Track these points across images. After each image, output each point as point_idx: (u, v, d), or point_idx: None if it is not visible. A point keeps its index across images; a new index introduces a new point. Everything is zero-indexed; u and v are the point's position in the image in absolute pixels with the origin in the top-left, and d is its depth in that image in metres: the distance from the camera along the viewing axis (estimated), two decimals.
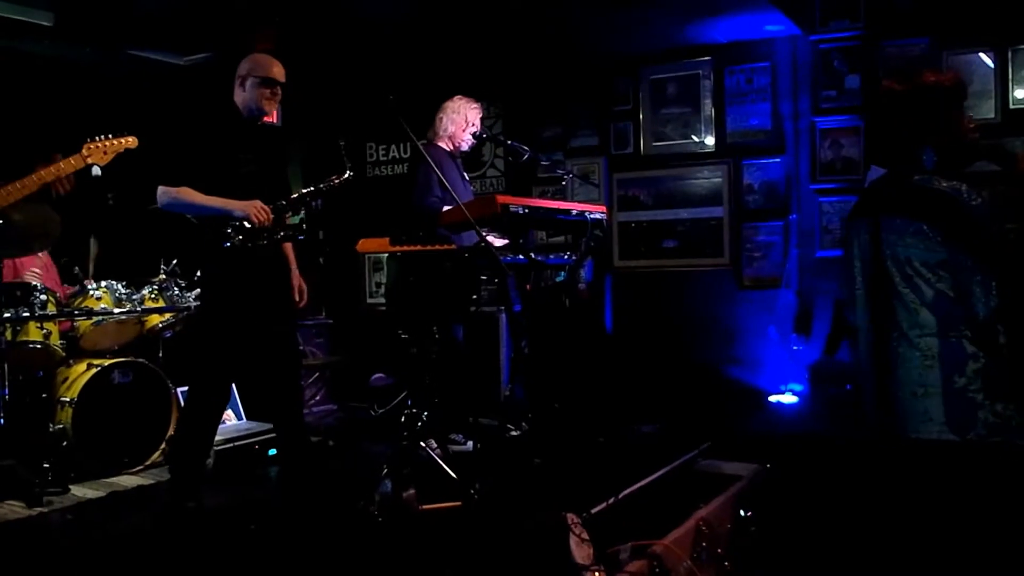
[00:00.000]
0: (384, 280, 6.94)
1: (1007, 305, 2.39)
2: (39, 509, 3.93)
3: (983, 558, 2.36)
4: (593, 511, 3.16)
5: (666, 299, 6.07)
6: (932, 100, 2.55)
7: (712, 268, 5.92)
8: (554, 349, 4.45)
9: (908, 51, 5.23)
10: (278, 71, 3.64)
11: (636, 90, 6.17)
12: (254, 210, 3.43)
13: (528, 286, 4.18)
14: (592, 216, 4.12)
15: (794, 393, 5.38)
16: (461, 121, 4.87)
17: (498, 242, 4.28)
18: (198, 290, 4.99)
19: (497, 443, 4.20)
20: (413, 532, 3.36)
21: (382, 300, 7.06)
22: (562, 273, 4.21)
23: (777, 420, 5.21)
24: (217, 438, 4.34)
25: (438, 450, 4.20)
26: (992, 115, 4.96)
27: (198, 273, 4.69)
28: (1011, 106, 4.97)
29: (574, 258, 4.25)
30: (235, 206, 3.44)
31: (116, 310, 4.77)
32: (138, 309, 4.87)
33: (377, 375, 6.01)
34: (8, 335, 4.33)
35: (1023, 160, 2.64)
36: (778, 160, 5.72)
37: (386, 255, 5.87)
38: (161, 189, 3.53)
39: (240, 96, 3.64)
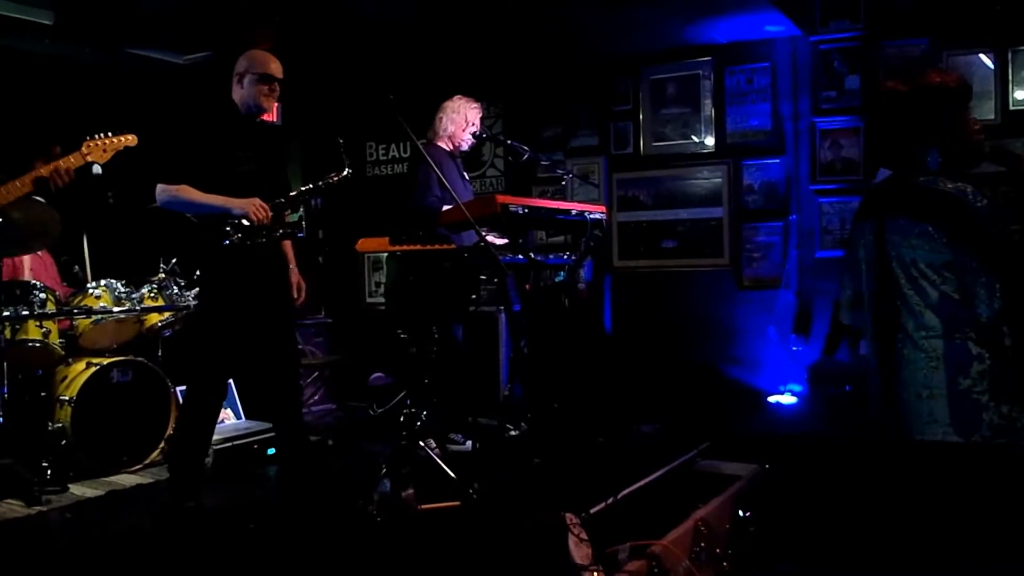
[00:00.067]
0: (383, 279, 6.94)
1: (1012, 306, 2.39)
2: (38, 508, 3.93)
3: (985, 559, 2.36)
4: (592, 511, 3.16)
5: (665, 299, 6.06)
6: (937, 101, 2.55)
7: (712, 268, 5.92)
8: (553, 349, 4.45)
9: (908, 52, 5.23)
10: (276, 67, 3.63)
11: (636, 90, 6.16)
12: (253, 208, 3.43)
13: (528, 286, 4.17)
14: (592, 216, 4.12)
15: (793, 393, 5.38)
16: (461, 121, 4.87)
17: (498, 242, 4.28)
18: (197, 289, 5.00)
19: (496, 443, 4.19)
20: (412, 532, 3.36)
21: (381, 299, 7.06)
22: (561, 273, 4.21)
23: (776, 420, 5.21)
24: (216, 437, 4.34)
25: (437, 450, 4.20)
26: (992, 116, 4.96)
27: (197, 272, 4.69)
28: (1011, 107, 4.97)
29: (574, 258, 4.25)
30: (234, 204, 3.44)
31: (115, 309, 4.77)
32: (137, 308, 4.87)
33: (376, 374, 6.01)
34: (7, 333, 4.33)
35: None
36: (778, 160, 5.72)
37: (386, 255, 5.87)
38: (160, 187, 3.53)
39: (238, 93, 3.64)
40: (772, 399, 5.42)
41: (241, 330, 3.57)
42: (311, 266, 3.95)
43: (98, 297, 4.75)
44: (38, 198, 4.12)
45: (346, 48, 6.00)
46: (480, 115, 4.96)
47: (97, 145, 3.83)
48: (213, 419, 3.70)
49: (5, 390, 4.17)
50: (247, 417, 5.12)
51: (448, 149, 4.90)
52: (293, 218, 3.75)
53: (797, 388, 5.38)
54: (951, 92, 2.57)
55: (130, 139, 3.92)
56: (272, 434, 4.57)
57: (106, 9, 5.10)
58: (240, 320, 3.56)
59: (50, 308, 4.59)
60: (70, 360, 4.73)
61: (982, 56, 5.06)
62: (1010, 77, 4.98)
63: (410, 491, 3.50)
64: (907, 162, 2.56)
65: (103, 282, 4.82)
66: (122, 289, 4.85)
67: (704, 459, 4.32)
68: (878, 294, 2.56)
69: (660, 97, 6.10)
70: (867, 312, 2.63)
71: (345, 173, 3.61)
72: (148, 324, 5.04)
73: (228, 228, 3.42)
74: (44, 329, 4.60)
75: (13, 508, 3.94)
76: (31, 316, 4.47)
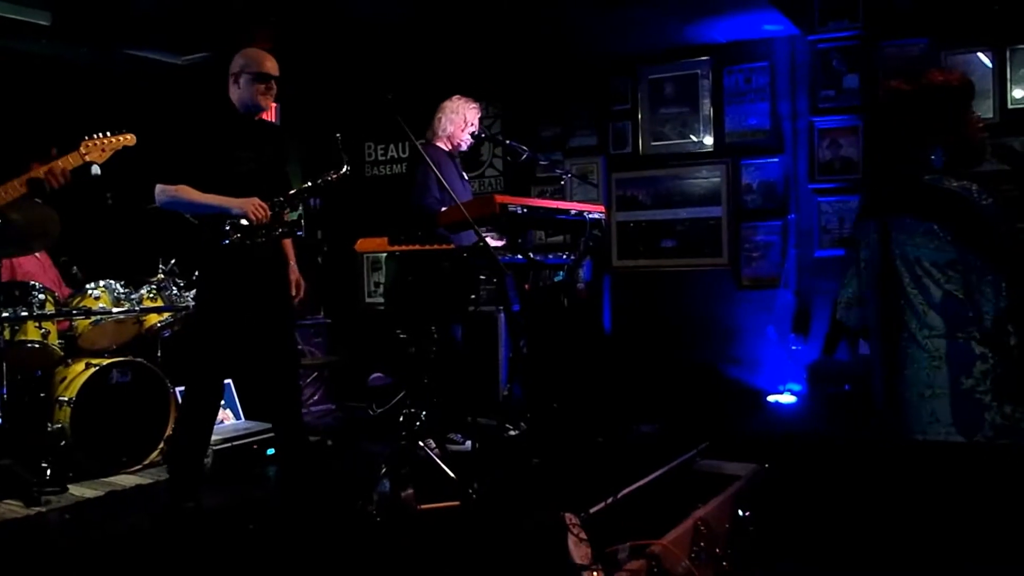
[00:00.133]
0: (383, 280, 6.94)
1: (1018, 305, 2.38)
2: (37, 509, 3.93)
3: (986, 559, 2.36)
4: (591, 511, 3.16)
5: (664, 299, 6.07)
6: (940, 100, 2.54)
7: (711, 268, 5.92)
8: (553, 349, 4.45)
9: (907, 51, 5.23)
10: (271, 65, 3.62)
11: (635, 90, 6.17)
12: (252, 207, 3.43)
13: (527, 286, 4.17)
14: (591, 216, 4.12)
15: (792, 393, 5.38)
16: (460, 121, 4.87)
17: (497, 242, 4.28)
18: (195, 289, 5.00)
19: (496, 443, 4.19)
20: (411, 532, 3.36)
21: (381, 300, 7.06)
22: (561, 273, 4.21)
23: (775, 420, 5.21)
24: (215, 438, 4.34)
25: (436, 450, 4.20)
26: (990, 115, 4.96)
27: (196, 272, 4.69)
28: (1009, 106, 4.98)
29: (573, 258, 4.25)
30: (233, 204, 3.44)
31: (114, 309, 4.77)
32: (136, 308, 4.87)
33: (376, 375, 6.01)
34: (6, 334, 4.32)
35: None
36: (776, 160, 5.72)
37: (385, 255, 5.87)
38: (159, 187, 3.53)
39: (235, 93, 3.63)
40: (771, 398, 5.42)
41: (239, 330, 3.57)
42: (310, 266, 3.95)
43: (97, 298, 4.75)
44: (36, 199, 4.11)
45: (344, 48, 6.00)
46: (479, 115, 4.96)
47: (96, 145, 3.83)
48: (211, 419, 3.70)
49: (4, 391, 4.17)
50: (246, 417, 5.12)
51: (447, 149, 4.91)
52: (292, 217, 3.75)
53: (796, 387, 5.38)
54: (954, 91, 2.57)
55: (128, 139, 3.92)
56: (271, 434, 4.56)
57: (103, 10, 5.10)
58: (238, 320, 3.55)
59: (49, 309, 4.59)
60: (69, 361, 4.72)
61: (980, 55, 5.07)
62: (1008, 76, 4.98)
63: (409, 491, 3.50)
64: (911, 161, 2.56)
65: (102, 283, 4.81)
66: (121, 290, 4.85)
67: (703, 459, 4.32)
68: (882, 293, 2.56)
69: (659, 97, 6.10)
70: (869, 311, 2.63)
71: (343, 170, 3.60)
72: (147, 325, 5.04)
73: (227, 228, 3.42)
74: (43, 330, 4.59)
75: (12, 509, 3.93)
76: (30, 317, 4.47)
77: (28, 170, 3.80)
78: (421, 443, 4.07)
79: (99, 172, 3.94)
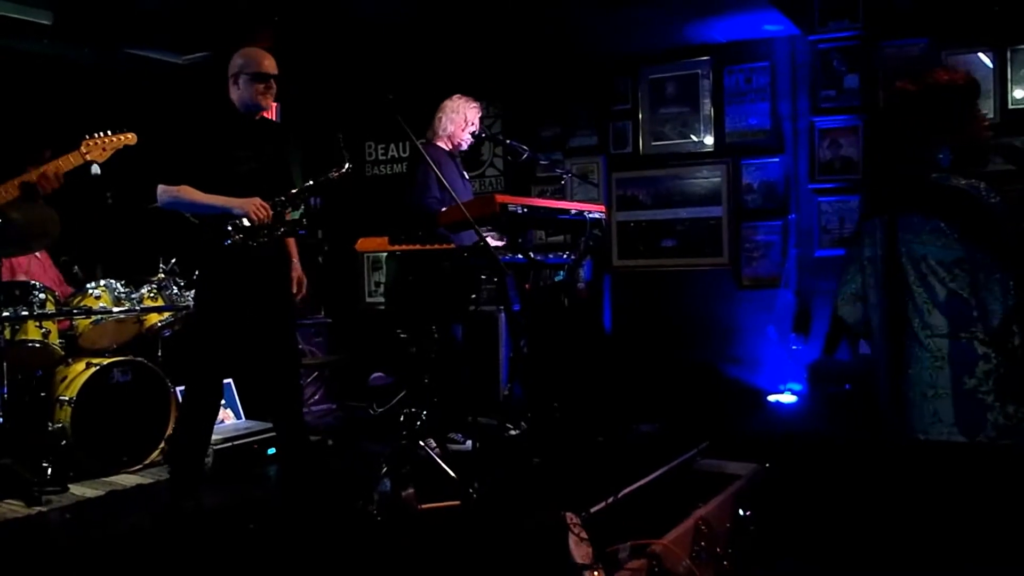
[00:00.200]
0: (383, 279, 6.94)
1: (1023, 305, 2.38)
2: (38, 508, 3.93)
3: (987, 559, 2.36)
4: (592, 510, 3.16)
5: (665, 299, 6.07)
6: (947, 99, 2.55)
7: (711, 268, 5.92)
8: (553, 348, 4.45)
9: (907, 51, 5.23)
10: (269, 64, 3.62)
11: (635, 90, 6.17)
12: (253, 207, 3.42)
13: (527, 285, 4.18)
14: (591, 215, 4.12)
15: (793, 392, 5.38)
16: (460, 120, 4.86)
17: (497, 242, 4.28)
18: (196, 288, 5.00)
19: (496, 442, 4.19)
20: (412, 531, 3.36)
21: (381, 299, 7.06)
22: (561, 272, 4.21)
23: (776, 419, 5.21)
24: (216, 437, 4.35)
25: (437, 449, 4.20)
26: (991, 115, 4.95)
27: (197, 271, 4.70)
28: (1010, 106, 4.98)
29: (573, 257, 4.25)
30: (234, 204, 3.44)
31: (115, 309, 4.77)
32: (137, 308, 4.87)
33: (376, 374, 6.01)
34: (7, 334, 4.32)
35: None
36: (777, 160, 5.72)
37: (385, 254, 5.87)
38: (161, 188, 3.53)
39: (235, 94, 3.63)
40: (772, 398, 5.42)
41: (239, 330, 3.57)
42: (311, 266, 3.94)
43: (98, 297, 4.75)
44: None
45: (345, 48, 6.00)
46: (479, 114, 4.96)
47: (96, 144, 3.83)
48: (211, 419, 3.70)
49: (5, 390, 4.17)
50: (247, 417, 5.12)
51: (447, 149, 4.90)
52: (294, 216, 3.75)
53: (797, 387, 5.38)
54: (961, 90, 2.57)
55: (129, 138, 3.92)
56: (272, 434, 4.57)
57: (105, 9, 5.10)
58: (238, 320, 3.55)
59: (50, 308, 4.59)
60: (70, 360, 4.72)
61: (981, 55, 5.07)
62: (1009, 76, 4.98)
63: (410, 491, 3.50)
64: (918, 161, 2.56)
65: (103, 282, 4.81)
66: (121, 289, 4.85)
67: (704, 458, 4.33)
68: (886, 291, 2.56)
69: (659, 96, 6.10)
70: (873, 309, 2.63)
71: (345, 168, 3.60)
72: (148, 324, 5.04)
73: (229, 228, 3.42)
74: (44, 329, 4.59)
75: (13, 508, 3.94)
76: (31, 316, 4.47)
77: (27, 171, 3.80)
78: (422, 443, 4.07)
79: (99, 171, 3.94)
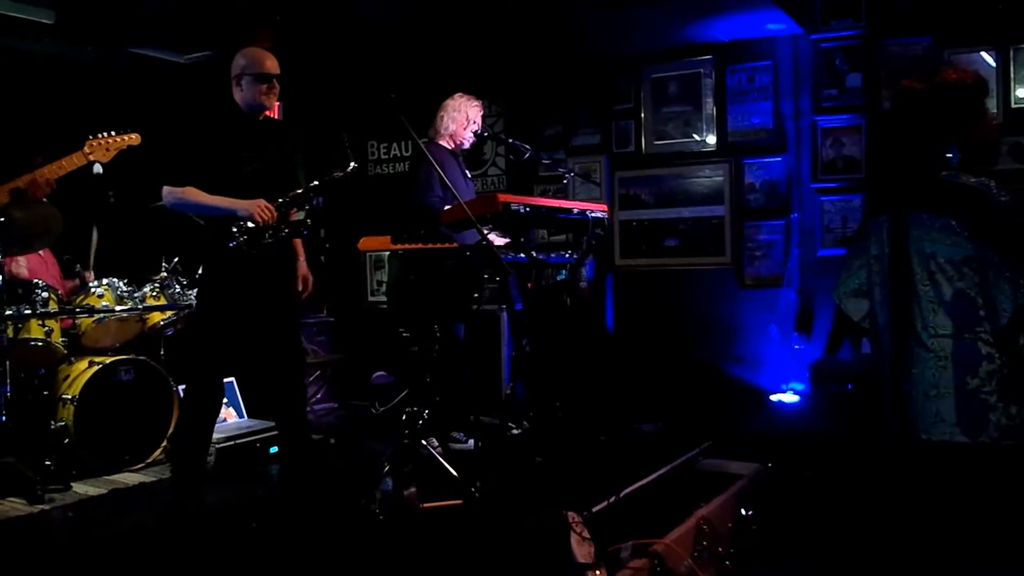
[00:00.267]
0: (385, 278, 6.94)
1: None
2: (40, 507, 3.93)
3: (988, 559, 2.36)
4: (594, 510, 3.16)
5: (667, 298, 6.06)
6: (956, 97, 2.54)
7: (713, 267, 5.92)
8: (555, 348, 4.45)
9: (910, 50, 5.22)
10: (271, 64, 3.62)
11: (637, 89, 6.16)
12: (257, 209, 3.42)
13: (529, 285, 4.17)
14: (593, 215, 4.12)
15: (795, 392, 5.38)
16: (462, 119, 4.86)
17: (499, 240, 4.28)
18: (198, 288, 5.00)
19: (498, 441, 4.20)
20: (414, 530, 3.36)
21: (383, 298, 7.06)
22: (563, 272, 4.21)
23: (778, 419, 5.21)
24: (218, 436, 4.35)
25: (439, 448, 4.20)
26: (994, 114, 4.95)
27: (200, 271, 4.70)
28: (1013, 105, 4.96)
29: (575, 257, 4.24)
30: (239, 206, 3.44)
31: (118, 308, 4.77)
32: (139, 307, 4.88)
33: (378, 373, 6.01)
34: (10, 332, 4.33)
35: None
36: (779, 159, 5.72)
37: (387, 253, 5.88)
38: (166, 189, 3.53)
39: (238, 94, 3.63)
40: (774, 398, 5.42)
41: (240, 330, 3.57)
42: (313, 265, 3.95)
43: (100, 296, 4.75)
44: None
45: (347, 47, 6.00)
46: (481, 113, 4.96)
47: (100, 144, 3.83)
48: (213, 418, 3.70)
49: (8, 389, 4.17)
50: (249, 416, 5.13)
51: (450, 148, 4.90)
52: (299, 215, 3.74)
53: (799, 386, 5.38)
54: (970, 88, 2.56)
55: (133, 138, 3.92)
56: (274, 433, 4.57)
57: (107, 8, 5.10)
58: (240, 320, 3.55)
59: (52, 307, 4.59)
60: (72, 359, 4.73)
61: (984, 54, 5.06)
62: (1012, 75, 4.97)
63: (412, 490, 3.50)
64: (926, 159, 2.55)
65: (105, 281, 4.82)
66: (124, 288, 4.86)
67: (706, 458, 4.33)
68: (893, 290, 2.55)
69: (661, 96, 6.10)
70: (878, 306, 2.62)
71: (350, 168, 3.59)
72: (150, 323, 5.05)
73: (234, 230, 3.42)
74: (46, 328, 4.60)
75: (16, 506, 3.94)
76: (33, 315, 4.47)
77: (27, 171, 3.81)
78: (424, 442, 4.07)
79: (101, 170, 3.94)
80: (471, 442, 4.76)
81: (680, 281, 6.02)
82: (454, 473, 3.81)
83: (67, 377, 4.60)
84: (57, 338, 4.68)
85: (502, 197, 3.71)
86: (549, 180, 6.45)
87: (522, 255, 3.97)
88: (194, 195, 3.48)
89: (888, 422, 2.58)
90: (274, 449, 4.66)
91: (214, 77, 4.06)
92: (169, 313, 5.05)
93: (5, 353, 4.17)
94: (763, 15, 5.29)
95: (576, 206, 4.19)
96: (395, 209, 5.46)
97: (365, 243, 3.94)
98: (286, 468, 4.04)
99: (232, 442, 4.59)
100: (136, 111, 5.25)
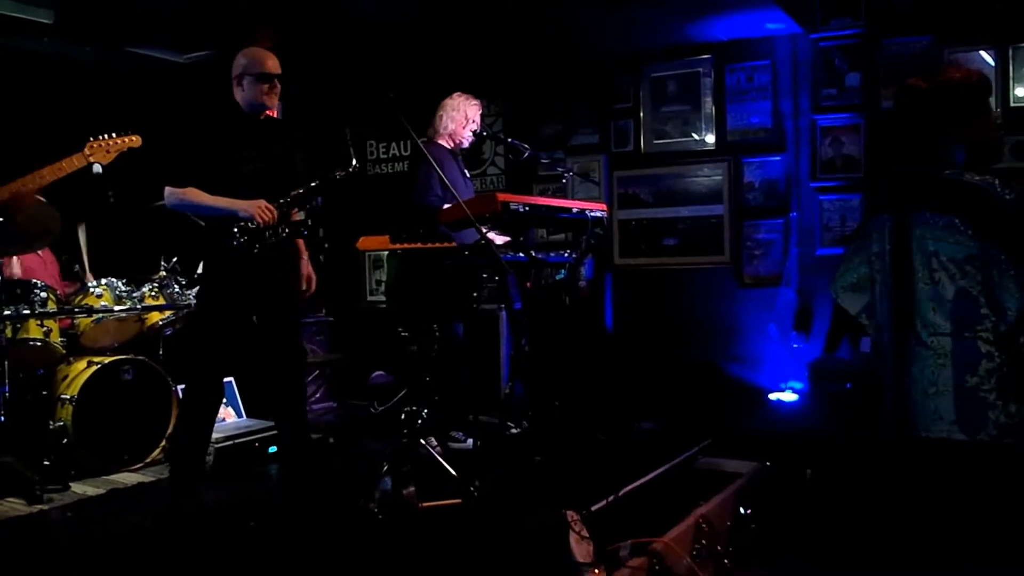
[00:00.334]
0: (384, 278, 6.94)
1: None
2: (39, 506, 3.93)
3: (987, 558, 2.36)
4: (593, 508, 3.16)
5: (666, 297, 6.07)
6: (960, 96, 2.54)
7: (712, 266, 5.92)
8: (554, 347, 4.45)
9: (909, 49, 5.22)
10: (272, 64, 3.62)
11: (636, 88, 6.16)
12: (258, 210, 3.42)
13: (528, 284, 4.17)
14: (592, 214, 4.12)
15: (794, 391, 5.38)
16: (461, 118, 4.86)
17: (499, 240, 4.28)
18: (197, 287, 5.00)
19: (497, 441, 4.19)
20: (413, 530, 3.36)
21: (382, 298, 7.06)
22: (562, 271, 4.21)
23: (777, 418, 5.21)
24: (217, 435, 4.35)
25: (438, 448, 4.20)
26: (997, 113, 4.96)
27: (199, 270, 4.69)
28: (1012, 104, 4.96)
29: (574, 256, 4.25)
30: (240, 206, 3.44)
31: (116, 307, 4.77)
32: (138, 306, 4.88)
33: (377, 373, 6.01)
34: (8, 332, 4.33)
35: None
36: (778, 158, 5.72)
37: (386, 253, 5.88)
38: (168, 190, 3.53)
39: (239, 94, 3.62)
40: (773, 396, 5.42)
41: (240, 330, 3.57)
42: (312, 264, 3.95)
43: (99, 296, 4.75)
44: (39, 197, 4.12)
45: (346, 47, 6.00)
46: (480, 113, 4.96)
47: (100, 146, 3.83)
48: (211, 418, 3.70)
49: (6, 389, 4.17)
50: (248, 415, 5.13)
51: (449, 147, 4.90)
52: (300, 215, 3.74)
53: (798, 385, 5.38)
54: (974, 87, 2.57)
55: (134, 140, 3.92)
56: (272, 432, 4.57)
57: (106, 8, 5.10)
58: (240, 320, 3.55)
59: (51, 307, 4.59)
60: (71, 359, 4.73)
61: (983, 53, 5.06)
62: (1011, 74, 4.97)
63: (411, 489, 3.50)
64: (930, 158, 2.55)
65: (104, 281, 4.82)
66: (123, 288, 4.85)
67: (705, 456, 4.33)
68: (893, 288, 2.55)
69: (660, 95, 6.10)
70: (879, 304, 2.62)
71: (352, 168, 3.59)
72: (149, 323, 5.04)
73: (235, 230, 3.42)
74: (45, 328, 4.60)
75: (14, 507, 3.94)
76: (32, 315, 4.47)
77: (27, 171, 3.81)
78: (423, 441, 4.07)
79: (101, 170, 3.94)
80: (470, 441, 4.76)
81: (679, 280, 6.02)
82: (453, 472, 3.82)
83: (66, 377, 4.59)
84: (56, 338, 4.68)
85: (501, 196, 3.71)
86: (548, 179, 6.45)
87: (521, 254, 3.98)
88: (195, 195, 3.48)
89: (887, 420, 2.58)
90: (273, 449, 4.66)
91: (214, 77, 4.06)
92: (168, 313, 5.05)
93: (4, 353, 4.17)
94: (762, 14, 5.29)
95: (575, 205, 4.19)
96: (394, 208, 5.46)
97: (364, 242, 3.94)
98: (285, 468, 4.04)
99: (231, 442, 4.59)
100: (136, 111, 5.26)
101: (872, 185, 5.25)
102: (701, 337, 5.82)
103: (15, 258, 4.83)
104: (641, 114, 6.16)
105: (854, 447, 3.08)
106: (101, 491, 4.22)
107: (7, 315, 4.27)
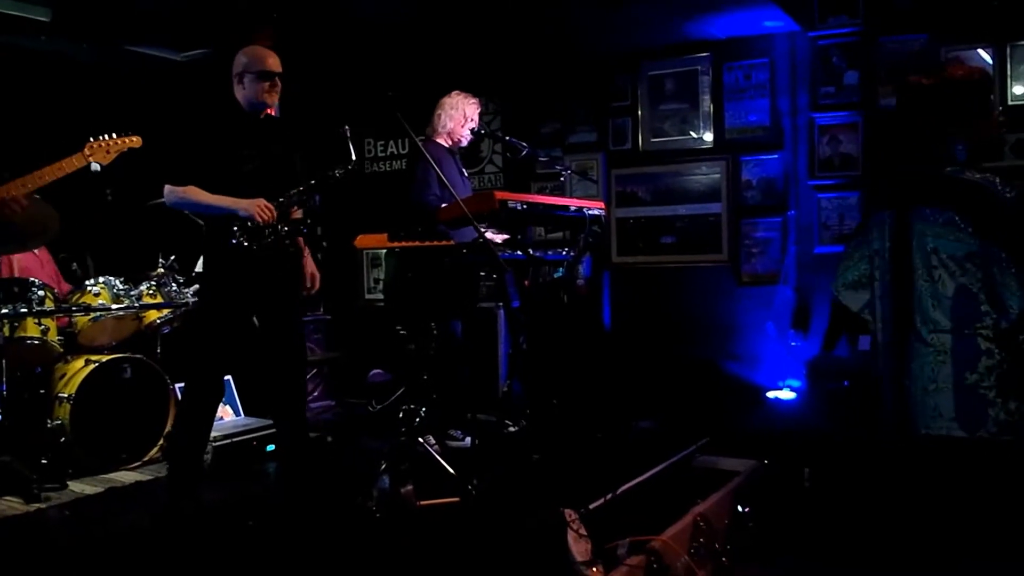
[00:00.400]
0: (382, 276, 6.94)
1: None
2: (37, 505, 3.93)
3: (985, 555, 2.36)
4: (591, 507, 3.16)
5: (664, 295, 6.07)
6: (964, 93, 2.54)
7: (710, 264, 5.92)
8: (552, 345, 4.45)
9: (907, 47, 5.23)
10: (273, 62, 3.61)
11: (634, 86, 6.16)
12: (257, 209, 3.41)
13: (526, 282, 4.18)
14: (590, 212, 4.12)
15: (792, 389, 5.38)
16: (459, 117, 4.85)
17: (497, 238, 4.28)
18: (196, 285, 4.99)
19: (495, 439, 4.20)
20: (411, 528, 3.36)
21: (380, 296, 7.06)
22: (560, 269, 4.21)
23: (775, 416, 5.21)
24: (215, 434, 4.35)
25: (436, 446, 4.20)
26: (1000, 111, 4.96)
27: (198, 268, 4.69)
28: (1009, 102, 4.96)
29: (572, 254, 4.25)
30: (240, 205, 3.43)
31: (114, 306, 4.77)
32: (136, 305, 4.87)
33: (375, 371, 6.01)
34: (6, 331, 4.32)
35: None
36: (776, 156, 5.72)
37: (384, 251, 5.87)
38: (167, 188, 3.52)
39: (240, 93, 3.62)
40: (771, 395, 5.42)
41: (240, 328, 3.56)
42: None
43: (96, 294, 4.74)
44: (35, 195, 4.11)
45: (344, 45, 5.99)
46: (478, 111, 4.95)
47: (101, 146, 3.82)
48: (211, 417, 3.69)
49: (4, 387, 4.17)
50: (246, 414, 5.12)
51: (447, 145, 4.90)
52: (300, 214, 3.74)
53: (796, 383, 5.38)
54: (976, 84, 2.57)
55: (135, 141, 3.91)
56: (270, 431, 4.57)
57: (102, 6, 5.09)
58: (240, 318, 3.55)
59: (48, 305, 4.58)
60: (69, 357, 4.72)
61: (980, 51, 5.06)
62: (1008, 72, 4.98)
63: (409, 487, 3.50)
64: (931, 155, 2.55)
65: (101, 279, 4.81)
66: (120, 286, 4.84)
67: (703, 455, 4.33)
68: (893, 285, 2.55)
69: (658, 93, 6.10)
70: (878, 301, 2.62)
71: (350, 166, 3.58)
72: (147, 321, 5.04)
73: (235, 229, 3.42)
74: (42, 326, 4.59)
75: (12, 505, 3.94)
76: (29, 313, 4.46)
77: (26, 169, 3.80)
78: (421, 439, 4.07)
79: (99, 168, 3.93)
80: (468, 440, 4.76)
81: (677, 278, 6.02)
82: (451, 471, 3.81)
83: (63, 375, 4.59)
84: (53, 336, 4.67)
85: (499, 195, 3.71)
86: (546, 178, 6.45)
87: (519, 252, 3.97)
88: (195, 194, 3.48)
89: (886, 418, 2.58)
90: (271, 447, 4.66)
91: (212, 75, 4.05)
92: (165, 311, 5.04)
93: (1, 351, 4.17)
94: (760, 12, 5.29)
95: (573, 203, 4.19)
96: (392, 207, 5.46)
97: (362, 241, 3.94)
98: (283, 466, 4.03)
99: (229, 440, 4.58)
100: (134, 109, 5.25)
101: (872, 183, 5.26)
102: (699, 335, 5.82)
103: (15, 257, 4.83)
104: (639, 112, 6.15)
105: (852, 445, 3.08)
106: (99, 490, 4.21)
107: (4, 313, 4.27)
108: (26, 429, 4.35)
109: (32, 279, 4.59)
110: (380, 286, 7.11)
